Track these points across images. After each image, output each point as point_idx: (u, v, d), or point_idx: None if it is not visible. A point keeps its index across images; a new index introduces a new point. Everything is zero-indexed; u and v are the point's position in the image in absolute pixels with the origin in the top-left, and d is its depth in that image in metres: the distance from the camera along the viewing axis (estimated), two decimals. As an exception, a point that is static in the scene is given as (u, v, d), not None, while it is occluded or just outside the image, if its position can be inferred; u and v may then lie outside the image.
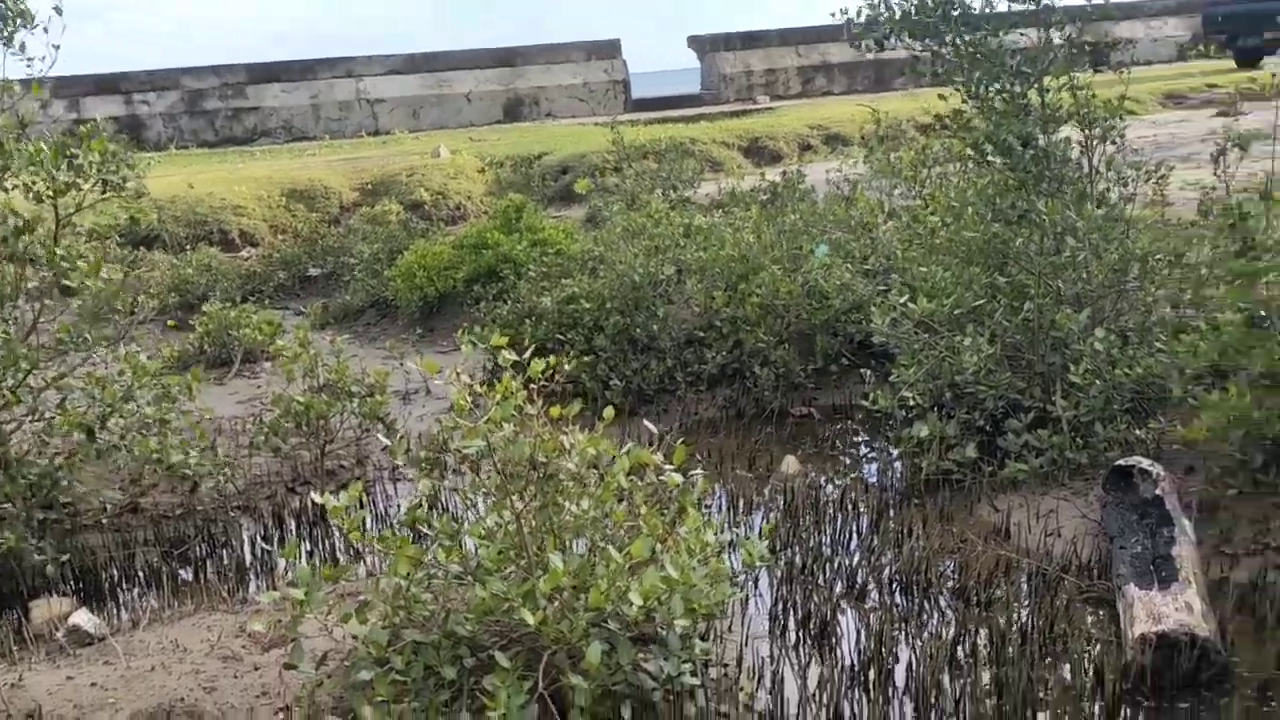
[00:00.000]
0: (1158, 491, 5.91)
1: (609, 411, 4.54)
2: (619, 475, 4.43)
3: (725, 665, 5.18)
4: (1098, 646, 5.19)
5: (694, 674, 4.59)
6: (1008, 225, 7.19)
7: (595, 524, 4.37)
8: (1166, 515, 5.73)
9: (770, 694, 4.83)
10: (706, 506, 7.13)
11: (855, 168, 11.98)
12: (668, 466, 4.63)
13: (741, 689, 4.83)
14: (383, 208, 15.38)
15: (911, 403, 7.45)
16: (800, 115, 21.18)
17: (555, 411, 4.33)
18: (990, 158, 7.42)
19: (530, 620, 3.77)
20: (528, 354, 4.22)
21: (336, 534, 6.97)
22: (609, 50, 28.32)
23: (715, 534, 4.55)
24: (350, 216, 16.10)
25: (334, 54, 28.06)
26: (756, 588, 6.02)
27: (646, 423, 5.08)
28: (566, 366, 4.50)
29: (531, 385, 4.31)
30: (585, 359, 9.12)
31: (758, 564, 4.73)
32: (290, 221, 15.98)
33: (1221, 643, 4.90)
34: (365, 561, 6.34)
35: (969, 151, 7.69)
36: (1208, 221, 7.42)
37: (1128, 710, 4.71)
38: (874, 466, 7.91)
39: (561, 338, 9.37)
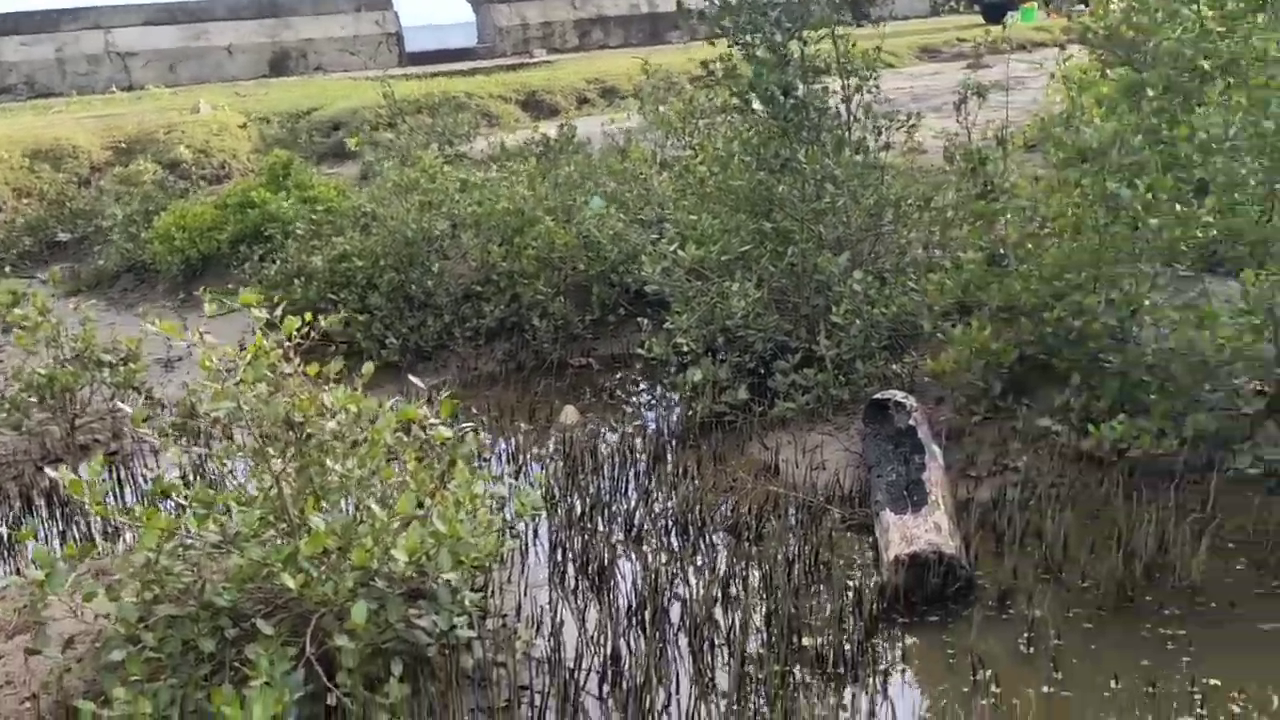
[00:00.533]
0: (911, 422, 6.25)
1: (368, 368, 4.44)
2: (384, 432, 4.34)
3: (504, 616, 5.21)
4: (859, 571, 5.47)
5: (470, 626, 4.59)
6: (772, 173, 7.41)
7: (362, 483, 4.28)
8: (919, 444, 6.08)
9: (549, 640, 4.88)
10: (485, 460, 7.11)
11: (629, 120, 12.06)
12: (434, 421, 4.57)
13: (519, 638, 4.85)
14: (137, 167, 14.48)
15: (685, 349, 7.61)
16: (577, 69, 21.13)
17: (313, 370, 4.20)
18: (754, 107, 7.60)
19: (292, 584, 3.67)
20: (278, 311, 4.06)
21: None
22: (380, 2, 27.47)
23: (486, 486, 4.53)
24: (102, 177, 15.08)
25: (80, 3, 26.10)
26: (536, 537, 6.05)
27: (413, 377, 4.99)
28: (323, 323, 4.36)
29: (287, 344, 4.16)
30: (360, 317, 8.90)
31: (531, 513, 4.75)
32: (35, 184, 14.84)
33: (967, 558, 5.25)
34: (125, 539, 6.03)
35: (734, 101, 7.86)
36: (953, 167, 7.85)
37: (884, 627, 4.99)
38: (652, 413, 8.05)
39: (334, 297, 9.10)
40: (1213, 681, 4.40)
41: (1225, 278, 6.83)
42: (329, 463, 4.21)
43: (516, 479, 6.86)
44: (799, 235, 7.48)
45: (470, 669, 4.65)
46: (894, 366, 7.24)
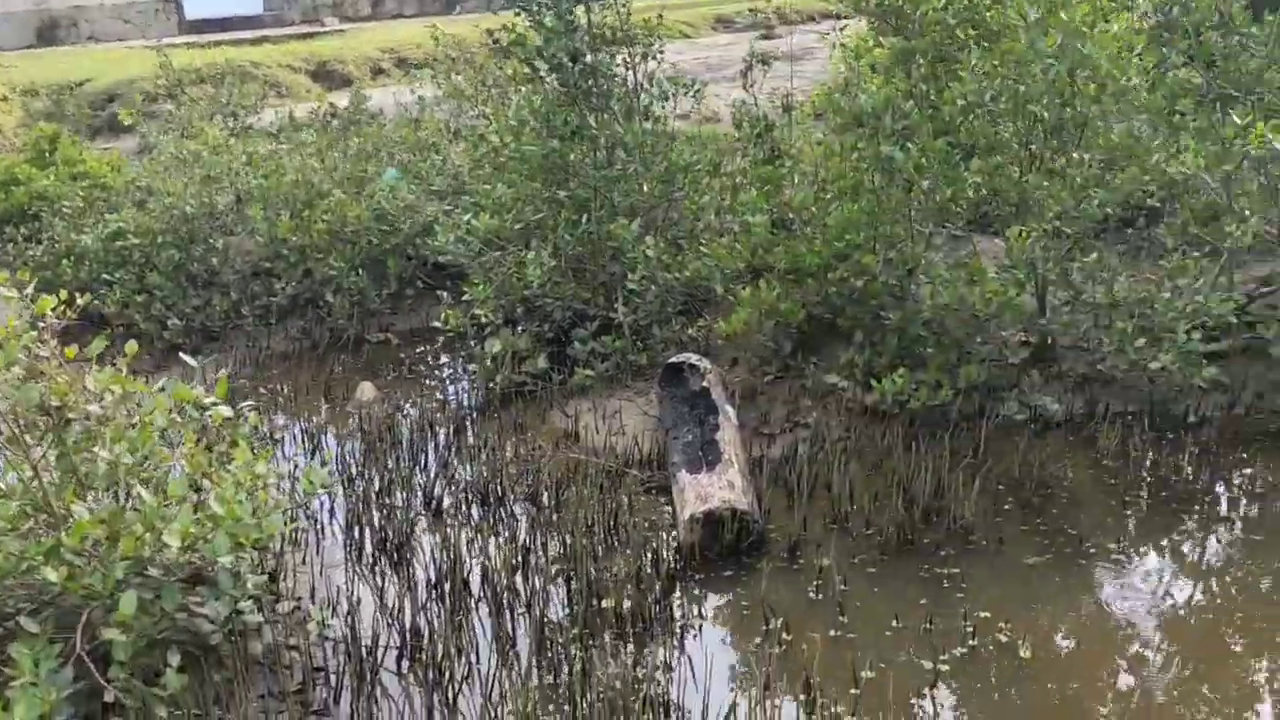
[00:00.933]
0: (705, 384, 6.38)
1: (131, 346, 4.21)
2: (157, 415, 4.14)
3: (298, 598, 5.06)
4: (657, 531, 5.56)
5: (259, 611, 4.45)
6: (563, 141, 7.39)
7: (133, 470, 4.07)
8: (713, 405, 6.21)
9: (345, 620, 4.77)
10: (277, 440, 6.89)
11: (423, 90, 11.82)
12: (212, 401, 4.39)
13: (312, 619, 4.73)
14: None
15: (484, 320, 7.55)
16: (371, 38, 20.55)
17: (71, 353, 3.96)
18: (542, 74, 7.56)
19: (54, 578, 3.46)
20: (28, 289, 3.81)
21: None
22: (158, -34, 25.97)
23: (270, 466, 4.38)
24: None
25: None
26: (332, 517, 5.91)
27: (186, 357, 4.76)
28: (80, 302, 4.11)
29: (43, 325, 3.91)
30: (138, 298, 8.46)
31: (320, 490, 4.62)
32: None
33: (759, 513, 5.41)
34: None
35: (524, 69, 7.80)
36: (741, 133, 8.02)
37: (681, 584, 5.09)
38: (453, 386, 7.96)
39: (109, 278, 8.61)
40: (984, 614, 4.67)
41: (994, 236, 7.23)
42: (96, 449, 3.99)
43: (312, 459, 6.67)
44: (593, 203, 7.51)
45: (260, 654, 4.51)
46: (690, 331, 7.37)
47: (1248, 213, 6.17)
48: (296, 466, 5.49)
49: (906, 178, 6.26)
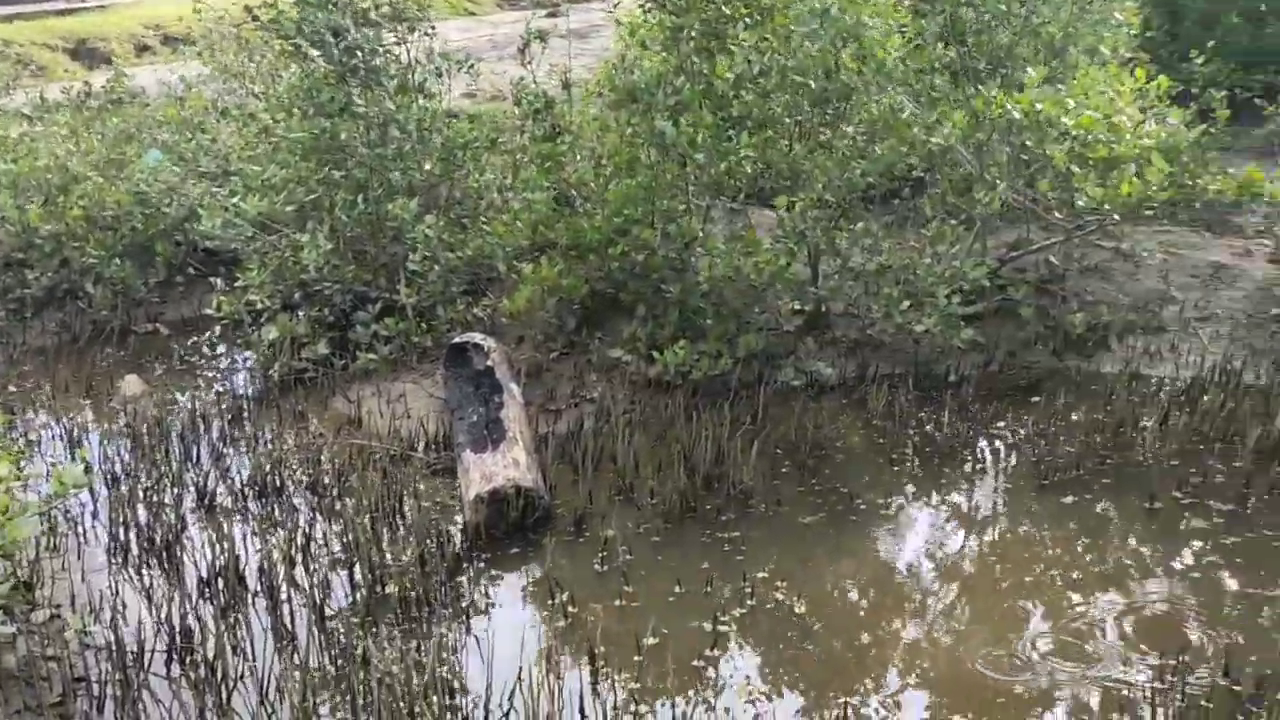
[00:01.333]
0: (489, 363, 6.33)
1: None
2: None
3: (57, 606, 4.76)
4: (443, 513, 5.49)
5: (9, 621, 4.16)
6: (332, 119, 7.17)
7: None
8: (498, 383, 6.16)
9: (109, 626, 4.52)
10: (31, 440, 6.47)
11: (187, 67, 11.25)
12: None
13: (71, 627, 4.46)
14: None
15: (261, 306, 7.27)
16: (136, 13, 19.44)
17: None
18: (306, 51, 7.30)
19: None
20: None
21: None
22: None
23: (11, 467, 4.09)
24: None
25: None
26: (95, 518, 5.58)
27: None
28: None
29: None
30: None
31: (72, 491, 4.34)
32: None
33: (545, 489, 5.41)
34: None
35: (287, 45, 7.52)
36: (521, 110, 7.96)
37: (467, 565, 5.05)
38: (228, 377, 7.64)
39: None
40: (762, 574, 4.82)
41: (771, 209, 7.43)
42: None
43: (73, 458, 6.28)
44: (370, 183, 7.32)
45: (15, 668, 4.22)
46: (475, 310, 7.29)
47: (997, 182, 6.55)
48: (55, 467, 5.15)
49: (681, 152, 6.36)
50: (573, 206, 7.01)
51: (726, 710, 4.03)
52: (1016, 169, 6.55)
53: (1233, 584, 4.63)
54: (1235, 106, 8.90)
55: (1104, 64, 6.34)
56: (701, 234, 6.79)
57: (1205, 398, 5.99)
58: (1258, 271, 6.93)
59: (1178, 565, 4.80)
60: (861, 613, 4.63)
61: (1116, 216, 6.14)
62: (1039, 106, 6.03)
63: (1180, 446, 5.67)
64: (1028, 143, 6.33)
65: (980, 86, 6.54)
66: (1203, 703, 3.89)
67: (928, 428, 6.11)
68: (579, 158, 7.36)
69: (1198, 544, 4.91)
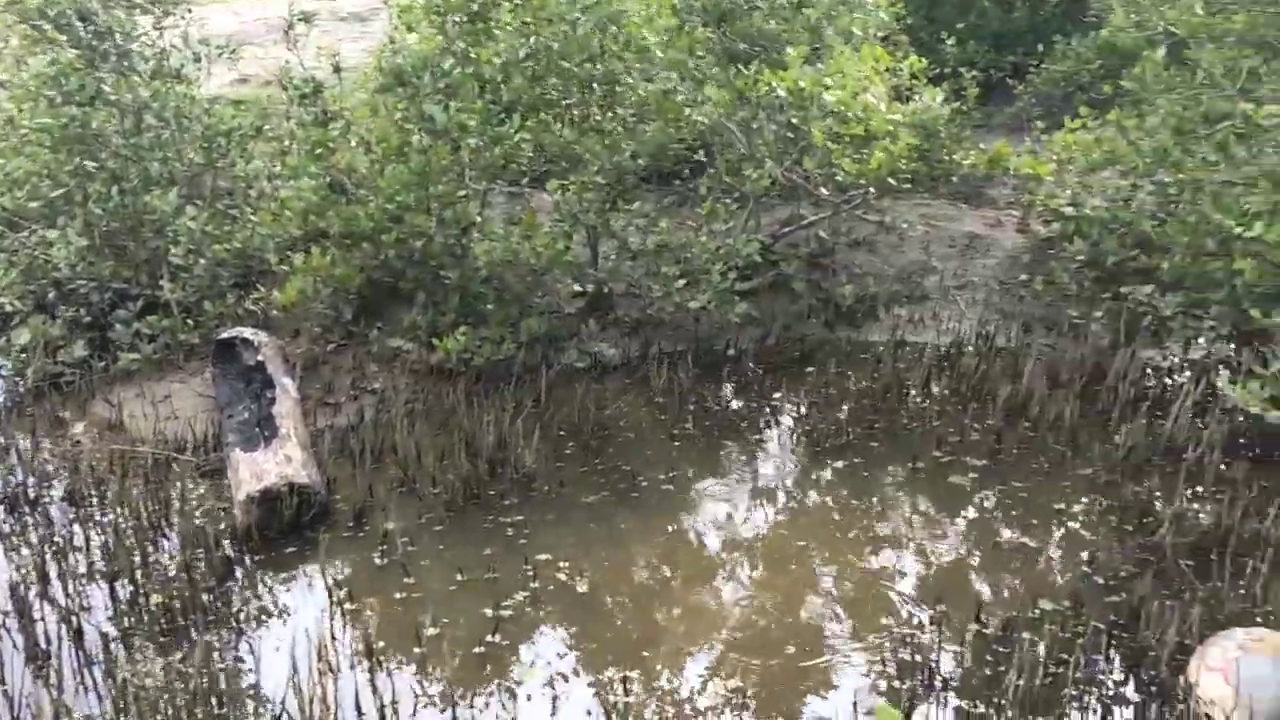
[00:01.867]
0: (260, 358, 6.09)
1: None
2: None
3: None
4: (213, 516, 5.26)
5: None
6: (82, 108, 6.74)
7: None
8: (270, 379, 5.95)
9: None
10: None
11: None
12: None
13: None
14: None
15: (9, 309, 6.80)
16: None
17: None
18: (51, 36, 6.85)
19: None
20: None
21: None
22: None
23: None
24: None
25: None
26: None
27: None
28: None
29: None
30: None
31: None
32: None
33: (323, 484, 5.26)
34: None
35: (31, 31, 7.04)
36: (288, 95, 7.68)
37: (239, 569, 4.86)
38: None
39: None
40: (544, 557, 4.82)
41: (548, 192, 7.42)
42: None
43: None
44: (126, 173, 6.92)
45: None
46: (246, 304, 7.00)
47: (766, 160, 6.74)
48: None
49: (453, 136, 6.27)
50: (345, 194, 6.81)
51: (509, 693, 4.02)
52: (784, 147, 6.75)
53: (986, 535, 4.91)
54: (989, 86, 9.49)
55: (858, 46, 6.58)
56: (479, 219, 6.72)
57: (963, 361, 6.33)
58: (1008, 241, 7.37)
59: (939, 520, 5.07)
60: (645, 588, 4.69)
61: (872, 190, 6.40)
62: (802, 84, 6.23)
63: (941, 408, 5.98)
64: (793, 120, 6.53)
65: (743, 67, 6.70)
66: (958, 647, 4.13)
67: (708, 402, 6.24)
68: (352, 144, 7.16)
69: (956, 499, 5.20)
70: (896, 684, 3.98)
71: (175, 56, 7.17)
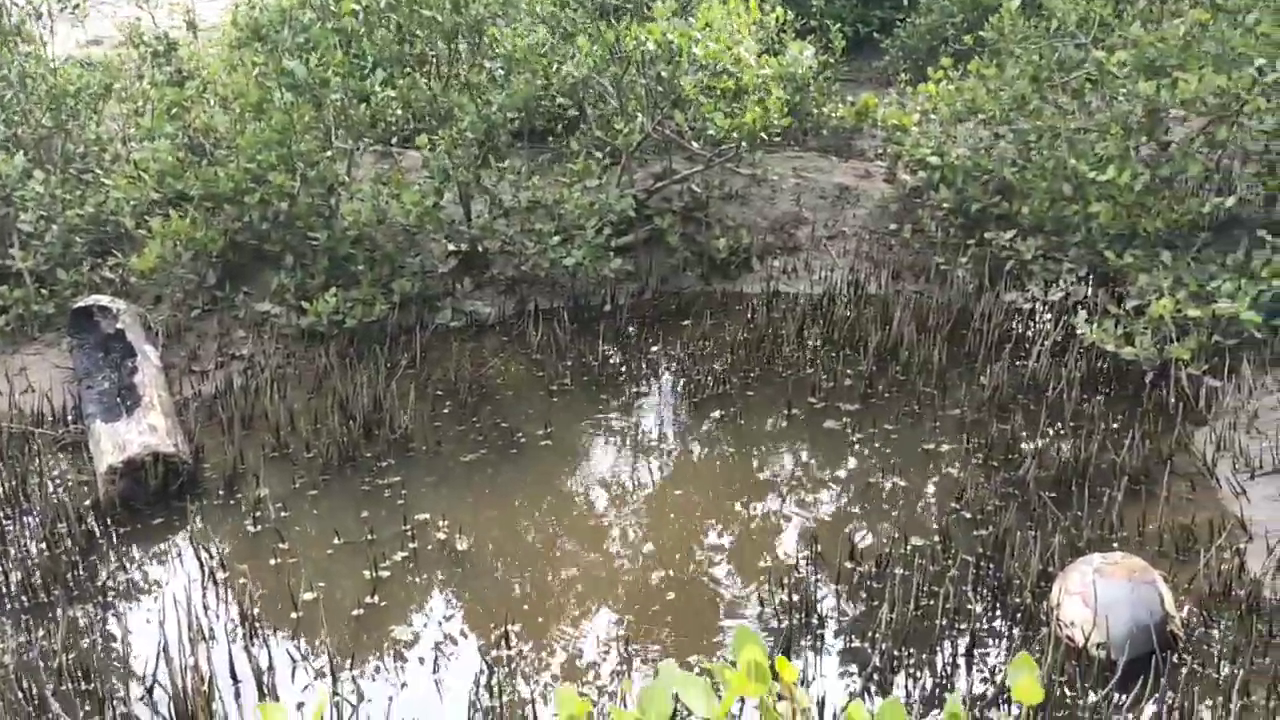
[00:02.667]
0: (119, 325, 5.86)
1: None
2: None
3: None
4: (74, 490, 5.06)
5: None
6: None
7: None
8: (130, 347, 5.73)
9: None
10: None
11: None
12: None
13: None
14: None
15: None
16: None
17: None
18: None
19: None
20: None
21: None
22: None
23: None
24: None
25: None
26: None
27: None
28: None
29: None
30: None
31: None
32: None
33: (190, 453, 5.10)
34: None
35: None
36: (139, 53, 7.37)
37: (104, 542, 4.68)
38: None
39: None
40: (423, 516, 4.77)
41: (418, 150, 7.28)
42: None
43: None
44: (-34, 137, 6.57)
45: None
46: (104, 271, 6.72)
47: (638, 114, 6.72)
48: None
49: (315, 93, 6.10)
50: (204, 154, 6.58)
51: (391, 655, 3.97)
52: (655, 101, 6.74)
53: (860, 477, 5.03)
54: (857, 41, 9.62)
55: (725, -1, 6.60)
56: (346, 178, 6.56)
57: (835, 309, 6.45)
58: (876, 191, 7.50)
59: (814, 465, 5.17)
60: (526, 544, 4.67)
61: (744, 144, 6.44)
62: (670, 38, 6.23)
63: (815, 355, 6.08)
64: (663, 74, 6.52)
65: (614, 20, 6.66)
66: (835, 585, 4.22)
67: (586, 358, 6.23)
68: (210, 102, 6.92)
69: (831, 443, 5.30)
70: (775, 623, 4.06)
71: (15, 13, 6.80)
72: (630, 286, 6.83)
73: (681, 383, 5.95)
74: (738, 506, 4.85)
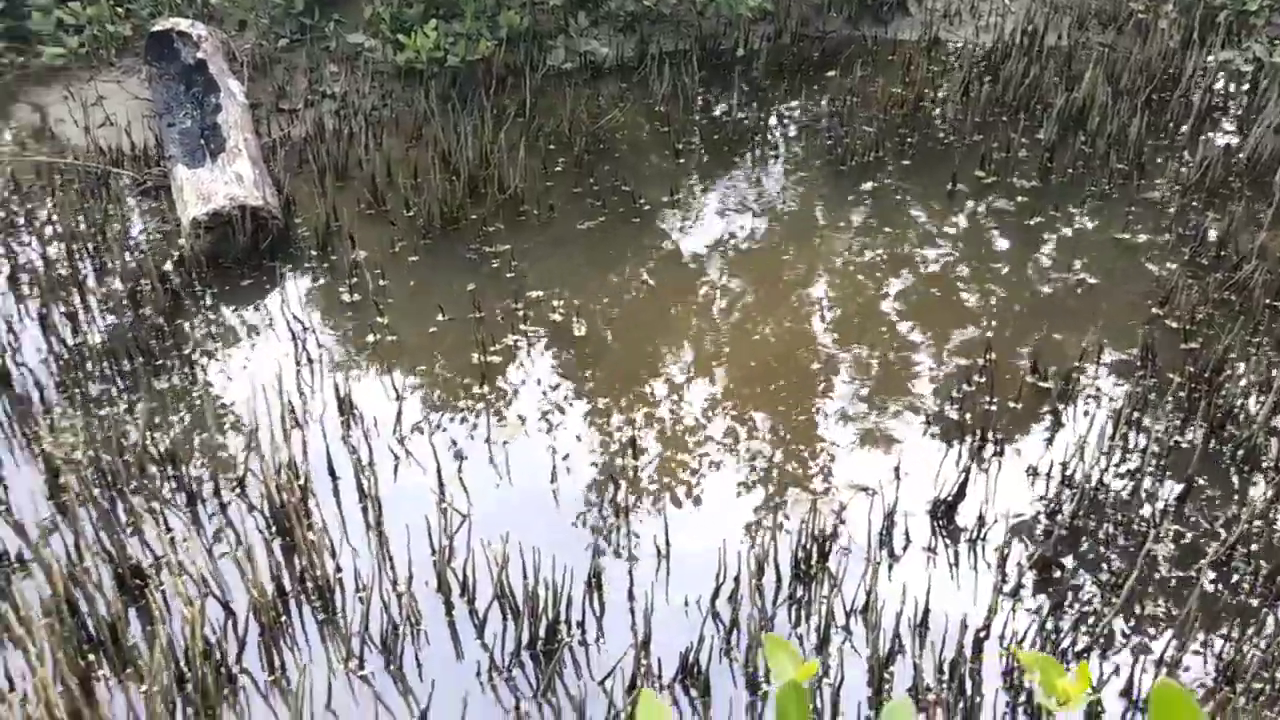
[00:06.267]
0: (200, 55, 5.25)
1: None
2: None
3: None
4: (159, 242, 4.61)
5: None
6: None
7: None
8: (213, 81, 5.14)
9: None
10: None
11: None
12: None
13: None
14: None
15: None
16: None
17: None
18: None
19: None
20: None
21: None
22: None
23: None
24: None
25: None
26: None
27: None
28: None
29: None
30: None
31: None
32: None
33: (278, 207, 4.58)
34: None
35: None
36: None
37: (189, 304, 4.26)
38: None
39: None
40: (535, 293, 4.24)
41: None
42: None
43: None
44: None
45: None
46: (183, -11, 6.06)
47: None
48: None
49: None
50: None
51: (500, 454, 3.53)
52: None
53: (1037, 270, 4.34)
54: None
55: None
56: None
57: (1008, 64, 5.54)
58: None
59: (982, 253, 4.48)
60: (650, 327, 4.12)
61: None
62: None
63: (983, 119, 5.26)
64: None
65: None
66: (1011, 403, 3.64)
67: (716, 111, 5.50)
68: None
69: (1002, 227, 4.59)
70: (940, 447, 3.51)
71: None
72: (766, 29, 5.97)
73: (825, 146, 5.20)
74: (889, 297, 4.22)
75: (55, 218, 4.69)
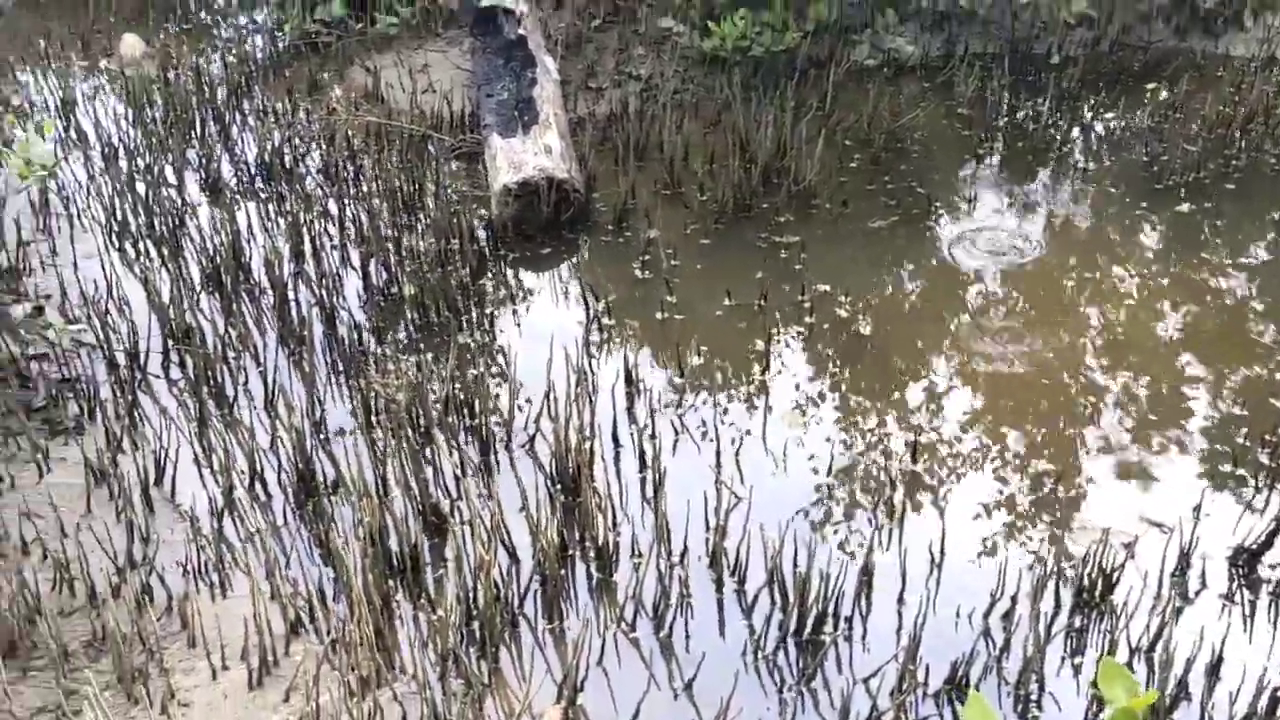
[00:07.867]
0: (521, 31, 5.54)
1: None
2: None
3: (45, 297, 4.35)
4: (468, 205, 4.90)
5: None
6: None
7: None
8: (530, 56, 5.41)
9: (102, 321, 4.09)
10: (30, 104, 5.89)
11: None
12: None
13: (58, 325, 4.04)
14: None
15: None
16: None
17: None
18: None
19: None
20: None
21: None
22: None
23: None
24: None
25: None
26: (90, 198, 5.06)
27: None
28: None
29: None
30: None
31: (37, 171, 3.80)
32: None
33: (581, 181, 4.79)
34: None
35: None
36: None
37: (493, 266, 4.52)
38: (237, 40, 6.87)
39: None
40: (823, 287, 4.25)
41: None
42: None
43: (67, 129, 5.70)
44: None
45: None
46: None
47: None
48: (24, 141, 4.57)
49: None
50: None
51: (777, 448, 3.58)
52: None
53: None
54: None
55: None
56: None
57: (1354, 90, 5.12)
58: None
59: (1306, 290, 4.17)
60: (937, 336, 4.06)
61: None
62: None
63: (1320, 147, 4.88)
64: None
65: None
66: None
67: (1021, 117, 5.33)
68: None
69: (1333, 266, 4.25)
70: (1246, 492, 3.30)
71: None
72: (1084, 35, 5.73)
73: (1141, 162, 4.96)
74: (1207, 330, 3.99)
75: (379, 175, 5.06)
